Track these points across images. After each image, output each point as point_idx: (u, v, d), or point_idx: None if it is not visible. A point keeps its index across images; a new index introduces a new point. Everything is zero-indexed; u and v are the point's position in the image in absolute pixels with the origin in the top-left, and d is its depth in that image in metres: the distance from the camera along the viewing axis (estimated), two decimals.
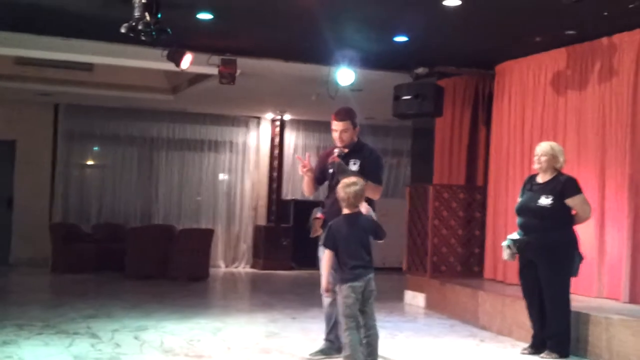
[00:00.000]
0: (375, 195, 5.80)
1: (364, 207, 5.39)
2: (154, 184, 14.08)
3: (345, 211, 5.36)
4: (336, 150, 5.92)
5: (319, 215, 5.87)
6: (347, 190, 5.29)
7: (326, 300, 5.88)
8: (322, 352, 5.86)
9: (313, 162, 6.21)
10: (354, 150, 5.93)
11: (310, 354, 5.87)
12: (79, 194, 13.69)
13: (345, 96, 9.79)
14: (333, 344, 5.87)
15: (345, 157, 5.88)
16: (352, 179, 5.38)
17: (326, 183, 6.13)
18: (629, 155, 7.24)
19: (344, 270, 5.26)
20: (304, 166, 5.94)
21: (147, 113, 13.88)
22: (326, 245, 5.32)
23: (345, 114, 5.95)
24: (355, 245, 5.30)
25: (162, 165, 14.17)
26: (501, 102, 9.16)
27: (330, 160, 5.89)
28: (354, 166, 5.81)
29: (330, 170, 5.93)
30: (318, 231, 5.80)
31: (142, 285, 10.80)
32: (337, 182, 5.74)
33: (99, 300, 9.01)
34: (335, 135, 5.93)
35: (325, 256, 5.34)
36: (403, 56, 9.10)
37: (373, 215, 5.58)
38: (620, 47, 7.49)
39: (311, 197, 14.11)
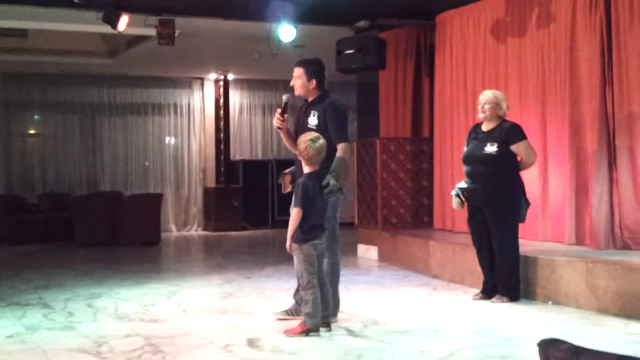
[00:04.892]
0: (346, 155, 5.52)
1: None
2: (98, 150, 13.90)
3: (308, 169, 5.28)
4: (284, 96, 5.81)
5: (286, 171, 5.78)
6: (313, 147, 5.19)
7: None
8: (286, 312, 5.84)
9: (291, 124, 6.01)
10: (315, 101, 5.73)
11: (275, 313, 5.85)
12: (21, 164, 13.47)
13: (288, 53, 9.72)
14: (299, 305, 5.84)
15: (307, 109, 5.73)
16: (315, 133, 5.31)
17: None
18: (568, 100, 7.36)
19: (305, 229, 5.21)
20: (278, 119, 5.65)
21: (86, 78, 13.62)
22: (299, 203, 5.17)
23: (300, 61, 5.78)
24: (321, 205, 5.29)
25: (105, 132, 13.97)
26: (443, 52, 9.20)
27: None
28: (313, 118, 5.63)
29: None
30: (288, 187, 5.69)
31: (92, 253, 10.69)
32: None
33: (49, 271, 8.90)
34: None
35: (295, 215, 5.20)
36: (344, 10, 9.04)
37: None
38: None
39: (259, 157, 14.10)
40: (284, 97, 5.76)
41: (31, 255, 10.63)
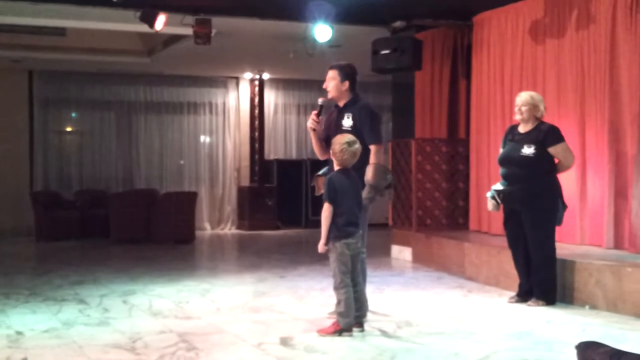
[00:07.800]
0: (379, 158, 5.68)
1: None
2: (134, 148, 14.01)
3: (338, 168, 5.29)
4: (320, 99, 5.87)
5: (319, 173, 5.82)
6: (350, 150, 5.20)
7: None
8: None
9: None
10: (348, 104, 5.84)
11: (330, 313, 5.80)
12: (58, 161, 13.61)
13: (323, 53, 9.72)
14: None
15: (340, 112, 5.83)
16: (352, 137, 5.31)
17: None
18: (608, 102, 7.25)
19: (338, 227, 5.19)
20: (314, 120, 5.78)
21: (123, 77, 13.73)
22: (328, 198, 5.18)
23: (335, 64, 5.91)
24: (352, 202, 5.27)
25: (142, 129, 14.08)
26: (480, 53, 9.12)
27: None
28: (347, 120, 5.74)
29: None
30: (321, 189, 5.69)
31: (127, 250, 10.79)
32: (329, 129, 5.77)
33: (84, 267, 9.00)
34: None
35: (325, 211, 5.19)
36: (380, 10, 9.00)
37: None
38: None
39: (294, 156, 14.06)
40: (320, 100, 5.87)
41: (67, 252, 10.76)
